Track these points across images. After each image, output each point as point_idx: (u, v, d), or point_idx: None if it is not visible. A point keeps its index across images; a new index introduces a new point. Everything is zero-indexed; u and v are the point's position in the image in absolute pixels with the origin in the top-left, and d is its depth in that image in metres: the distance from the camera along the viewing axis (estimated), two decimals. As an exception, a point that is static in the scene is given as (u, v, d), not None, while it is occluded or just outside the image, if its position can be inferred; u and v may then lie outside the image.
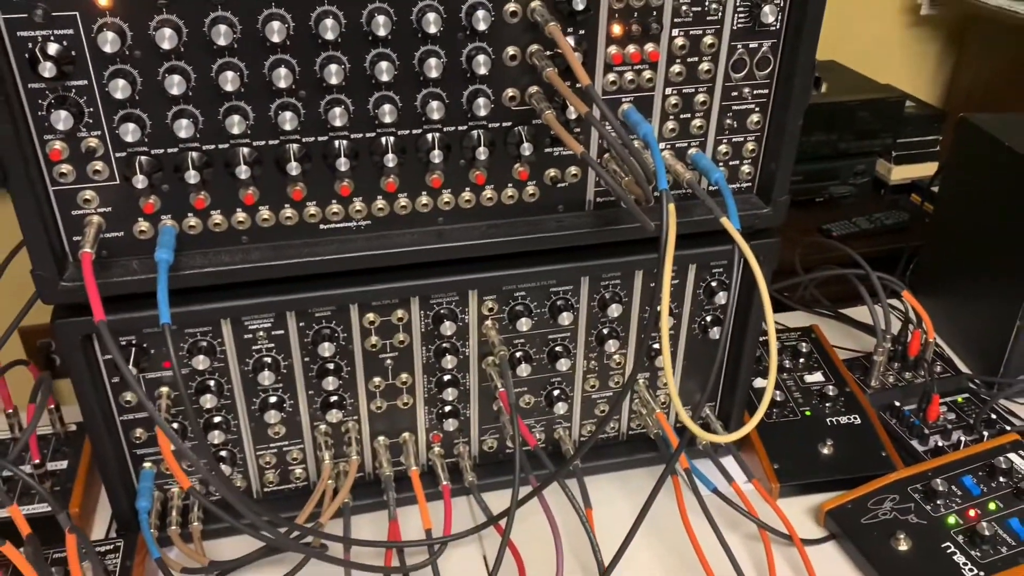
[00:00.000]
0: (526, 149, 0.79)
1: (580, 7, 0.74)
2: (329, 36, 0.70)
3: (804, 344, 1.15)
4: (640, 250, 0.88)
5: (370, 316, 0.86)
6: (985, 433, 1.03)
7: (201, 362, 0.82)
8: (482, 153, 0.78)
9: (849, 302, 1.31)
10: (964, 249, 1.20)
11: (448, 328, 0.87)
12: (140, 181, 0.73)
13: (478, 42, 0.75)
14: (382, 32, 0.71)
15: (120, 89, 0.69)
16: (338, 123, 0.74)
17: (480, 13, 0.72)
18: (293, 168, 0.75)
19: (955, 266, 1.22)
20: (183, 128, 0.71)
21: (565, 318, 0.89)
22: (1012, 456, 0.96)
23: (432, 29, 0.72)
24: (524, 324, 0.89)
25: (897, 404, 1.08)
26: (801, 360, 1.13)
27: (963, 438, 1.03)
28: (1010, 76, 1.95)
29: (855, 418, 1.05)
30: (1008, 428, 1.04)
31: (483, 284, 0.86)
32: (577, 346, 0.94)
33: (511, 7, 0.74)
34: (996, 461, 0.95)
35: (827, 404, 1.06)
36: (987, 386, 1.14)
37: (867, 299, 1.12)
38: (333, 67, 0.72)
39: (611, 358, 0.96)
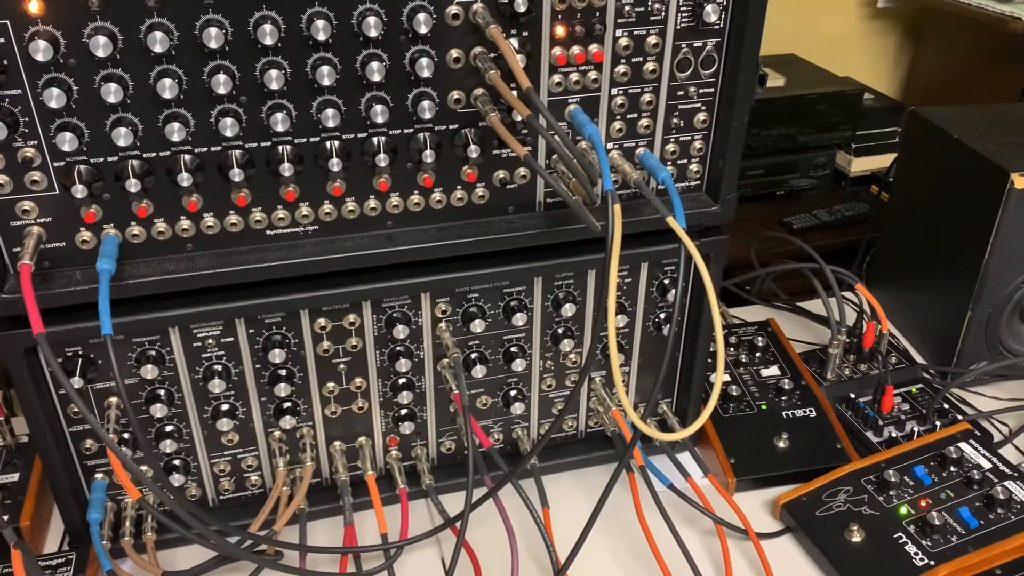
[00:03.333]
0: (473, 151, 0.79)
1: (522, 9, 0.73)
2: (269, 41, 0.70)
3: (760, 338, 1.16)
4: (592, 250, 0.88)
5: (321, 321, 0.85)
6: (938, 423, 1.04)
7: (150, 371, 0.81)
8: (429, 156, 0.78)
9: (806, 295, 1.32)
10: (916, 241, 1.21)
11: (401, 332, 0.87)
12: (80, 191, 0.72)
13: (421, 45, 0.75)
14: (323, 36, 0.70)
15: (55, 98, 0.68)
16: (281, 128, 0.74)
17: (421, 16, 0.72)
18: (236, 175, 0.75)
19: (908, 258, 1.24)
20: (122, 136, 0.70)
21: (519, 319, 0.89)
22: (963, 446, 0.98)
23: (373, 33, 0.72)
24: (478, 326, 0.89)
25: (852, 396, 1.09)
26: (757, 354, 1.14)
27: (916, 428, 1.04)
28: (966, 67, 1.97)
29: (810, 411, 1.06)
30: (960, 417, 1.06)
31: (435, 287, 0.86)
32: (532, 346, 0.94)
33: (453, 9, 0.74)
34: (947, 451, 0.96)
35: (783, 398, 1.07)
36: (940, 376, 1.16)
37: (821, 292, 1.13)
38: (274, 72, 0.71)
39: (567, 357, 0.96)
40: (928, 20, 2.04)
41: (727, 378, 1.10)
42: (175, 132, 0.71)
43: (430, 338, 0.90)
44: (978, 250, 1.08)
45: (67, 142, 0.70)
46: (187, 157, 0.74)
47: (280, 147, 0.76)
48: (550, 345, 0.94)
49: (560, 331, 0.93)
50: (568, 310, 0.91)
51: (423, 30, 0.73)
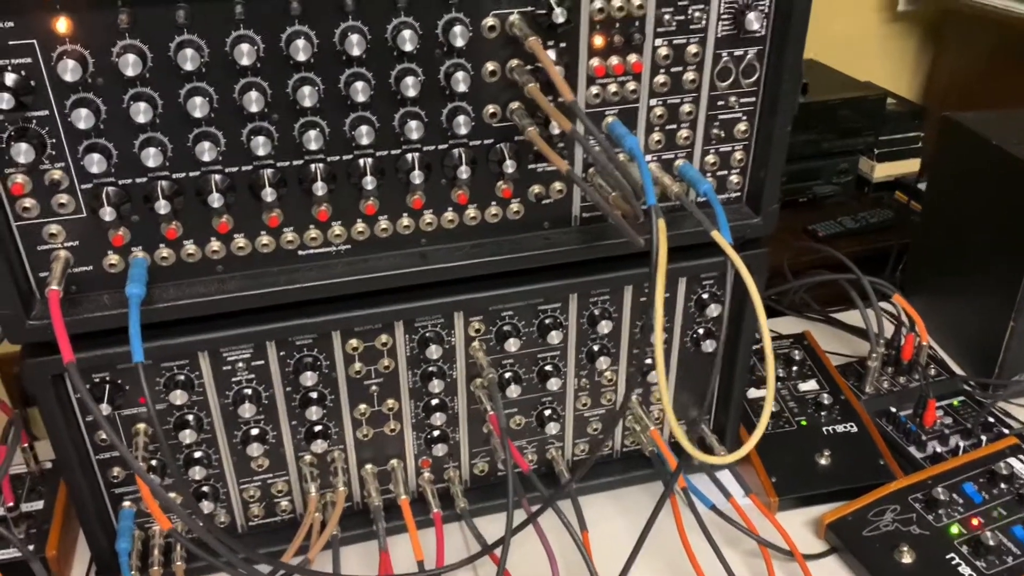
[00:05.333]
0: (509, 166, 0.77)
1: (560, 20, 0.71)
2: (302, 57, 0.68)
3: (797, 351, 1.13)
4: (629, 265, 0.86)
5: (353, 342, 0.83)
6: (983, 437, 1.01)
7: (179, 397, 0.79)
8: (464, 172, 0.76)
9: (838, 304, 1.30)
10: (954, 249, 1.19)
11: (434, 352, 0.85)
12: (108, 213, 0.70)
13: (456, 58, 0.72)
14: (356, 52, 0.68)
15: (83, 119, 0.66)
16: (314, 146, 0.71)
17: (457, 29, 0.70)
18: (268, 194, 0.72)
19: (945, 266, 1.21)
20: (151, 157, 0.68)
21: (554, 336, 0.87)
22: (1012, 461, 0.95)
23: (408, 47, 0.69)
24: (512, 344, 0.86)
25: (893, 410, 1.06)
26: (794, 368, 1.11)
27: (961, 443, 1.01)
28: (988, 70, 1.94)
29: (851, 426, 1.03)
30: (1006, 431, 1.03)
31: (470, 305, 0.84)
32: (567, 364, 0.91)
33: (489, 21, 0.71)
34: (996, 467, 0.93)
35: (823, 413, 1.04)
36: (982, 388, 1.13)
37: (859, 304, 1.10)
38: (307, 89, 0.69)
39: (603, 375, 0.93)
40: (949, 22, 2.01)
41: (763, 392, 1.07)
42: (206, 151, 0.69)
43: (463, 358, 0.88)
44: (1021, 258, 1.05)
45: (95, 163, 0.68)
46: (217, 177, 0.72)
47: (313, 165, 0.73)
48: (585, 363, 0.92)
49: (596, 348, 0.91)
50: (604, 327, 0.89)
51: (459, 43, 0.70)
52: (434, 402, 0.89)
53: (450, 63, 0.73)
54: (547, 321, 0.88)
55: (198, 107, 0.68)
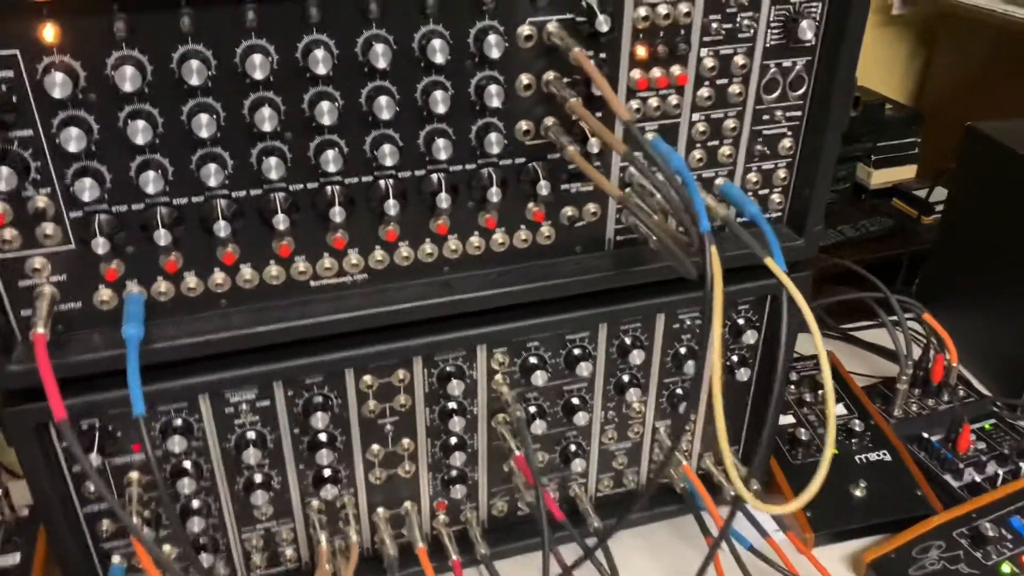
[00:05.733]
0: (543, 188, 0.70)
1: (604, 28, 0.65)
2: (320, 70, 0.60)
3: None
4: (661, 292, 0.80)
5: (367, 379, 0.76)
6: (1022, 464, 0.97)
7: (177, 443, 0.71)
8: (494, 195, 0.69)
9: (851, 319, 1.25)
10: (977, 263, 1.14)
11: (455, 388, 0.78)
12: (100, 244, 0.62)
13: (489, 70, 0.66)
14: (382, 64, 0.61)
15: (73, 140, 0.58)
16: (332, 168, 0.64)
17: (492, 38, 0.63)
18: (280, 221, 0.65)
19: (968, 281, 1.16)
20: (151, 181, 0.61)
21: (583, 369, 0.81)
22: (1058, 491, 0.90)
23: (439, 59, 0.62)
24: (540, 378, 0.80)
25: (925, 436, 1.01)
26: (821, 392, 1.06)
27: (999, 471, 0.97)
28: (983, 74, 1.92)
29: (884, 454, 0.98)
30: (1045, 456, 0.99)
31: (495, 337, 0.77)
32: (594, 396, 0.85)
33: (525, 30, 0.65)
34: (1045, 499, 0.89)
35: (854, 440, 0.99)
36: (1009, 408, 1.08)
37: (887, 323, 1.05)
38: (325, 104, 0.62)
39: (630, 407, 0.87)
40: (943, 26, 1.98)
41: (792, 419, 1.02)
42: (211, 175, 0.62)
43: (485, 392, 0.81)
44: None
45: (87, 190, 0.60)
46: (224, 203, 0.64)
47: (329, 188, 0.66)
48: (613, 394, 0.86)
49: (625, 379, 0.85)
50: (636, 357, 0.82)
51: (495, 54, 0.63)
52: (453, 440, 0.82)
53: (482, 75, 0.66)
54: (576, 352, 0.81)
55: (204, 125, 0.60)
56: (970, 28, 1.89)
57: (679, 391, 0.87)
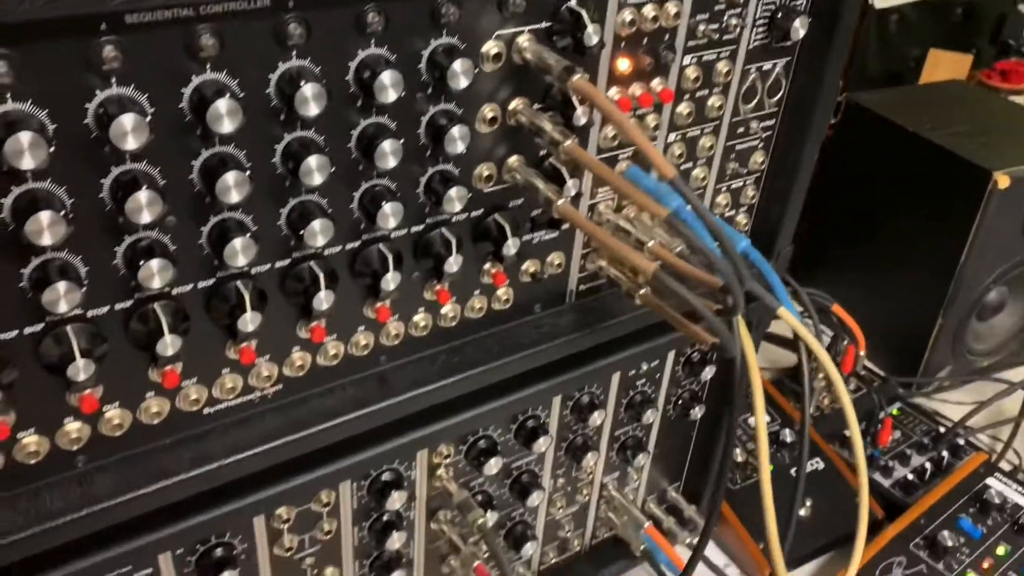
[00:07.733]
0: (511, 247, 0.54)
1: (594, 40, 0.49)
2: (223, 127, 0.40)
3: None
4: (623, 345, 0.66)
5: (281, 512, 0.57)
6: (945, 454, 0.95)
7: (24, 661, 0.49)
8: (453, 264, 0.52)
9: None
10: (863, 244, 1.11)
11: (394, 501, 0.60)
12: None
13: (445, 103, 0.48)
14: (313, 111, 0.42)
15: None
16: (241, 261, 0.44)
17: (458, 65, 0.45)
18: (166, 345, 0.44)
19: (852, 263, 1.13)
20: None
21: (540, 445, 0.66)
22: (992, 483, 0.89)
23: (391, 97, 0.44)
24: (492, 467, 0.64)
25: (847, 434, 0.96)
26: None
27: (924, 463, 0.94)
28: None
29: (818, 462, 0.92)
30: (959, 436, 0.97)
31: (441, 436, 0.60)
32: (544, 468, 0.71)
33: (492, 48, 0.47)
34: (987, 496, 0.86)
35: (785, 452, 0.93)
36: (904, 387, 1.07)
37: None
38: (230, 176, 0.41)
39: (581, 469, 0.74)
40: None
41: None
42: (61, 297, 0.40)
43: (424, 489, 0.64)
44: (950, 253, 0.98)
45: None
46: (73, 327, 0.42)
47: (231, 284, 0.46)
48: (564, 460, 0.72)
49: (579, 442, 0.71)
50: (596, 418, 0.69)
51: (461, 84, 0.46)
52: (387, 557, 0.65)
53: (436, 110, 0.48)
54: (529, 424, 0.66)
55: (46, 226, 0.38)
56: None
57: (630, 440, 0.75)
